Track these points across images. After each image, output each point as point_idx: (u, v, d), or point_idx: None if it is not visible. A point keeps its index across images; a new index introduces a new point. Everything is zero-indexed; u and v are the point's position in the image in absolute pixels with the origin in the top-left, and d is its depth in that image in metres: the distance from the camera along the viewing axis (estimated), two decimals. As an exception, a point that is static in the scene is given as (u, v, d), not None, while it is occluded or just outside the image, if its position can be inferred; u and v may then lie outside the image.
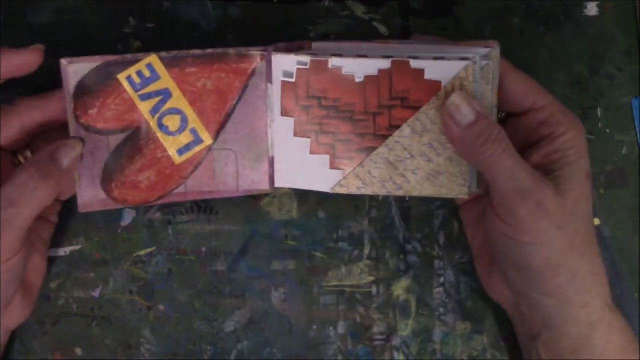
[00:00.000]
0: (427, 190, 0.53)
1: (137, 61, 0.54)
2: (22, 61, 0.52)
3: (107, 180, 0.55)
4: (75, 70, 0.54)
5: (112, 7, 0.61)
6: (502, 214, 0.50)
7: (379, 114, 0.53)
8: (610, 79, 0.61)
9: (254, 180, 0.56)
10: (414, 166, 0.53)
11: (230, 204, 0.60)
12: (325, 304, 0.60)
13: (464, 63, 0.50)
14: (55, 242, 0.60)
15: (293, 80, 0.54)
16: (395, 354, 0.60)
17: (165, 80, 0.54)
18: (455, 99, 0.49)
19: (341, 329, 0.60)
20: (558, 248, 0.50)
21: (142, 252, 0.60)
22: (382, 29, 0.61)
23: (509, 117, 0.55)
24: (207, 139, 0.55)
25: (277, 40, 0.56)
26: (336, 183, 0.54)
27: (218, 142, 0.55)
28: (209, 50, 0.54)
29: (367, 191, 0.54)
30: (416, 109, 0.52)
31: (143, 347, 0.60)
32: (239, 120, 0.55)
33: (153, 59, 0.54)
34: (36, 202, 0.50)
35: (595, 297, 0.51)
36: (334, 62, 0.53)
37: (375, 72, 0.52)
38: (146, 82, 0.54)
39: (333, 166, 0.54)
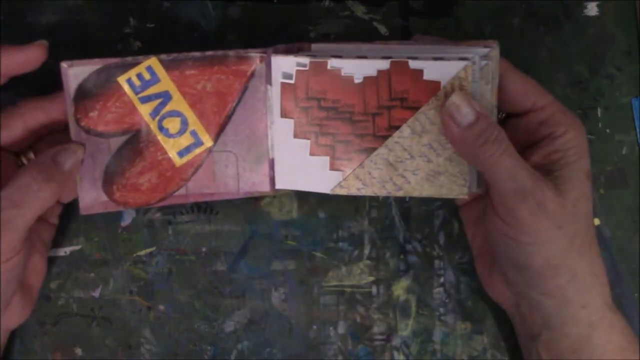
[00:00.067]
0: (427, 190, 0.53)
1: (137, 64, 0.54)
2: (26, 57, 0.52)
3: (108, 182, 0.55)
4: (75, 73, 0.54)
5: (112, 7, 0.61)
6: (502, 214, 0.50)
7: (378, 114, 0.53)
8: (610, 79, 0.61)
9: (255, 182, 0.56)
10: (413, 167, 0.53)
11: (230, 204, 0.60)
12: (325, 304, 0.60)
13: (462, 63, 0.50)
14: (55, 242, 0.60)
15: (292, 81, 0.54)
16: (395, 354, 0.60)
17: (165, 82, 0.54)
18: (455, 99, 0.49)
19: (341, 329, 0.60)
20: (558, 248, 0.50)
21: (142, 252, 0.60)
22: (382, 29, 0.61)
23: (509, 117, 0.54)
24: (207, 141, 0.55)
25: (277, 41, 0.56)
26: (336, 184, 0.54)
27: (218, 144, 0.56)
28: (209, 53, 0.54)
29: (367, 192, 0.54)
30: (415, 109, 0.52)
31: (143, 347, 0.60)
32: (239, 122, 0.55)
33: (153, 61, 0.54)
34: (38, 204, 0.50)
35: (595, 297, 0.51)
36: (333, 63, 0.53)
37: (374, 73, 0.52)
38: (146, 84, 0.54)
39: (333, 167, 0.54)
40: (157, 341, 0.60)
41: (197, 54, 0.54)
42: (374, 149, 0.53)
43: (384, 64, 0.52)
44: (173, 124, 0.55)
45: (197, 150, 0.55)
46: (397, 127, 0.52)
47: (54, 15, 0.61)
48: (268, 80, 0.55)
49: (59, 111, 0.55)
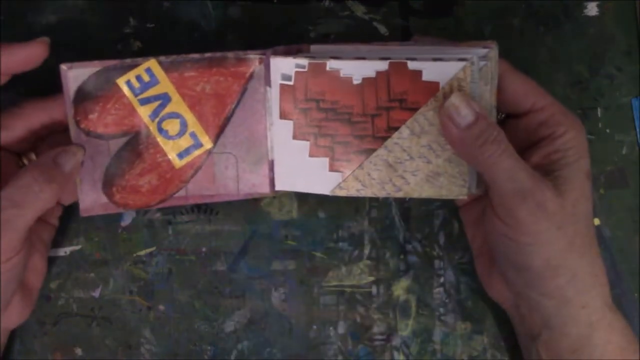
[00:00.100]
0: (426, 191, 0.53)
1: (136, 66, 0.54)
2: (28, 54, 0.52)
3: (108, 184, 0.55)
4: (74, 75, 0.54)
5: (112, 7, 0.61)
6: (502, 214, 0.50)
7: (377, 115, 0.53)
8: (610, 79, 0.61)
9: (254, 184, 0.56)
10: (413, 167, 0.53)
11: (230, 204, 0.60)
12: (325, 304, 0.60)
13: (461, 64, 0.50)
14: (55, 242, 0.60)
15: (291, 83, 0.54)
16: (395, 354, 0.60)
17: (164, 84, 0.54)
18: (454, 100, 0.49)
19: (341, 329, 0.60)
20: (558, 248, 0.50)
21: (142, 252, 0.60)
22: (382, 29, 0.61)
23: (508, 118, 0.54)
24: (207, 143, 0.55)
25: (277, 40, 0.56)
26: (336, 185, 0.54)
27: (217, 145, 0.56)
28: (208, 54, 0.54)
29: (366, 193, 0.54)
30: (414, 110, 0.52)
31: (143, 347, 0.60)
32: (238, 124, 0.55)
33: (152, 63, 0.54)
34: (39, 205, 0.50)
35: (595, 298, 0.51)
36: (331, 64, 0.52)
37: (372, 74, 0.52)
38: (145, 86, 0.54)
39: (332, 168, 0.54)
40: (157, 341, 0.60)
41: (196, 55, 0.54)
42: (373, 150, 0.53)
43: (383, 65, 0.52)
44: (172, 126, 0.55)
45: (197, 152, 0.55)
46: (396, 128, 0.52)
47: (54, 15, 0.61)
48: (267, 81, 0.55)
49: (61, 112, 0.55)
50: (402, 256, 0.60)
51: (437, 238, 0.61)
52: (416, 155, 0.53)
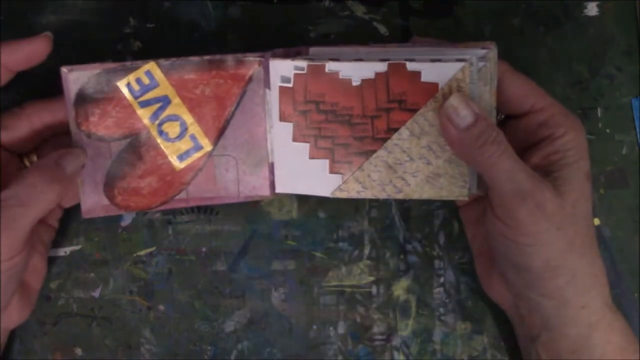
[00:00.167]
0: (427, 192, 0.53)
1: (136, 68, 0.54)
2: (31, 50, 0.52)
3: (109, 186, 0.55)
4: (75, 78, 0.54)
5: (112, 7, 0.61)
6: (502, 215, 0.50)
7: (376, 117, 0.53)
8: (610, 79, 0.61)
9: (255, 186, 0.56)
10: (413, 169, 0.53)
11: (230, 204, 0.60)
12: (325, 304, 0.60)
13: (460, 64, 0.50)
14: (55, 242, 0.60)
15: (290, 85, 0.54)
16: (395, 354, 0.60)
17: (164, 87, 0.54)
18: (453, 101, 0.49)
19: (341, 329, 0.60)
20: (557, 249, 0.50)
21: (142, 252, 0.60)
22: (382, 29, 0.61)
23: (508, 119, 0.54)
24: (207, 145, 0.55)
25: (277, 40, 0.56)
26: (336, 187, 0.54)
27: (217, 148, 0.56)
28: (207, 57, 0.54)
29: (367, 195, 0.54)
30: (414, 111, 0.52)
31: (143, 347, 0.60)
32: (238, 126, 0.55)
33: (151, 65, 0.54)
34: (43, 204, 0.50)
35: (594, 298, 0.51)
36: (330, 66, 0.52)
37: (372, 75, 0.52)
38: (145, 89, 0.54)
39: (333, 170, 0.54)
40: (157, 341, 0.60)
41: (195, 58, 0.54)
42: (373, 152, 0.53)
43: (382, 67, 0.52)
44: (172, 128, 0.55)
45: (197, 155, 0.55)
46: (396, 130, 0.52)
47: (54, 15, 0.61)
48: (266, 84, 0.55)
49: (63, 113, 0.55)
50: (402, 256, 0.60)
51: (437, 238, 0.61)
52: (416, 157, 0.53)
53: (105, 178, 0.55)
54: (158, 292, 0.60)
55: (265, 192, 0.57)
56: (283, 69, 0.54)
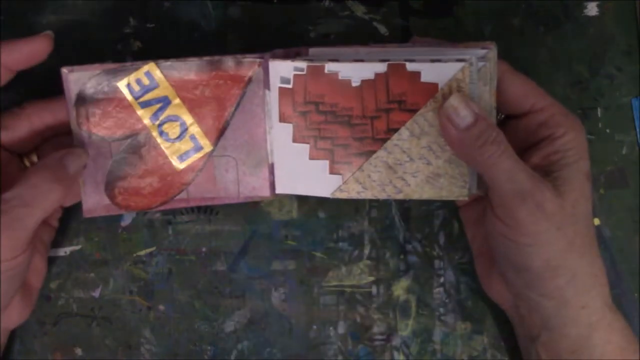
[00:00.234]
0: (427, 192, 0.53)
1: (136, 69, 0.54)
2: (32, 49, 0.52)
3: (110, 186, 0.55)
4: (75, 78, 0.54)
5: (112, 7, 0.61)
6: (502, 215, 0.50)
7: (376, 117, 0.53)
8: (610, 79, 0.61)
9: (255, 187, 0.56)
10: (413, 169, 0.53)
11: (230, 204, 0.60)
12: (325, 304, 0.60)
13: (460, 64, 0.50)
14: (56, 242, 0.60)
15: (290, 86, 0.54)
16: (395, 354, 0.60)
17: (164, 87, 0.54)
18: (453, 101, 0.49)
19: (341, 329, 0.60)
20: (557, 249, 0.50)
21: (142, 252, 0.60)
22: (382, 29, 0.61)
23: (508, 119, 0.54)
24: (207, 146, 0.55)
25: (278, 40, 0.56)
26: (336, 188, 0.54)
27: (217, 148, 0.56)
28: (206, 58, 0.54)
29: (367, 195, 0.54)
30: (413, 111, 0.52)
31: (143, 347, 0.60)
32: (238, 127, 0.55)
33: (151, 66, 0.54)
34: (47, 204, 0.50)
35: (594, 298, 0.51)
36: (330, 67, 0.52)
37: (371, 76, 0.52)
38: (145, 89, 0.54)
39: (333, 171, 0.54)
40: (157, 341, 0.60)
41: (195, 59, 0.54)
42: (373, 152, 0.53)
43: (381, 67, 0.52)
44: (173, 129, 0.55)
45: (197, 155, 0.55)
46: (396, 130, 0.52)
47: (54, 15, 0.61)
48: (266, 85, 0.55)
49: (63, 113, 0.55)
50: (402, 256, 0.60)
51: (437, 238, 0.61)
52: (416, 157, 0.53)
53: (106, 178, 0.55)
54: (158, 292, 0.60)
55: (265, 192, 0.57)
56: (283, 69, 0.54)
